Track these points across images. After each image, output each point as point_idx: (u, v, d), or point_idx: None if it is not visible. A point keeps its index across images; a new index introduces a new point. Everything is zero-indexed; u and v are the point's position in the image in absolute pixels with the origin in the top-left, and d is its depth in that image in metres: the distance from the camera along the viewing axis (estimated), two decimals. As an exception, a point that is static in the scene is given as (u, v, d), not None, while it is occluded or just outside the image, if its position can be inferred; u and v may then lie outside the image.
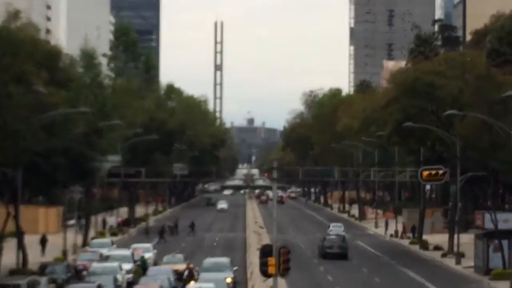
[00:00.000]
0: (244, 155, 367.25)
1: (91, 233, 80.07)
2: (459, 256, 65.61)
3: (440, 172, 67.18)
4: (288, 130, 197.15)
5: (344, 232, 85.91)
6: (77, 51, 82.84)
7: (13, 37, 50.70)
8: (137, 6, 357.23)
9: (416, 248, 78.30)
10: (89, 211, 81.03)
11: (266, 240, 71.58)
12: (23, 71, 49.11)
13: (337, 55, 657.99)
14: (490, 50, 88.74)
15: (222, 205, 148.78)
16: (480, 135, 59.03)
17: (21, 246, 56.53)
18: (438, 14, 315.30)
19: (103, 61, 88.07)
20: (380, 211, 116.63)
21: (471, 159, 64.51)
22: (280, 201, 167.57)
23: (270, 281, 40.79)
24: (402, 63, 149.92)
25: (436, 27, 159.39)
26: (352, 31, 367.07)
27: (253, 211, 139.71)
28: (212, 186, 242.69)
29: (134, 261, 56.52)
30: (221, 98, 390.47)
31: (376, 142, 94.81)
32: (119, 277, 48.98)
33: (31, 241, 67.12)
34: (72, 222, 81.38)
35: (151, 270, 51.38)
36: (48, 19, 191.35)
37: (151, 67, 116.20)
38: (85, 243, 73.99)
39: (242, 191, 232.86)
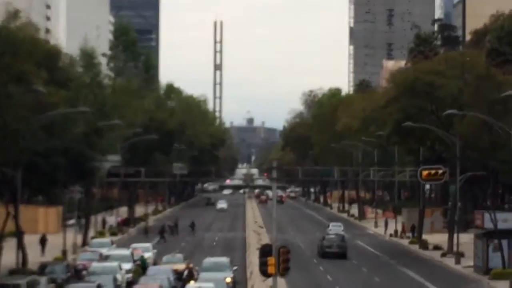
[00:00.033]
0: (243, 154, 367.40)
1: (91, 232, 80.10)
2: (459, 255, 65.64)
3: (440, 171, 67.21)
4: (287, 130, 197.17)
5: (344, 232, 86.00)
6: (77, 51, 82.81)
7: (13, 36, 50.70)
8: (137, 6, 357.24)
9: (415, 247, 78.32)
10: (88, 211, 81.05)
11: (265, 240, 71.60)
12: (23, 71, 49.10)
13: (336, 55, 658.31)
14: (490, 50, 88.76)
15: (221, 204, 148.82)
16: (479, 135, 59.05)
17: (20, 246, 56.53)
18: (438, 13, 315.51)
19: (103, 60, 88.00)
20: (379, 211, 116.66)
21: (471, 158, 64.55)
22: (280, 200, 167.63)
23: (270, 280, 40.81)
24: (402, 63, 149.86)
25: (436, 27, 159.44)
26: (352, 31, 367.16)
27: (252, 210, 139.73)
28: (211, 186, 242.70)
29: (134, 261, 56.55)
30: (220, 97, 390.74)
31: (375, 141, 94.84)
32: (118, 276, 48.99)
33: (30, 241, 67.12)
34: (72, 222, 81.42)
35: (151, 269, 51.40)
36: (48, 18, 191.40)
37: (150, 67, 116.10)
38: (84, 243, 73.99)
39: (241, 191, 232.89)
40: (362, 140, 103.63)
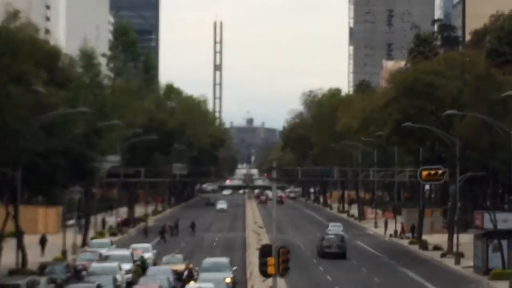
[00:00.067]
0: (243, 155, 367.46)
1: (91, 233, 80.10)
2: (459, 256, 65.66)
3: (439, 172, 67.22)
4: (287, 130, 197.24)
5: (343, 232, 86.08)
6: (77, 51, 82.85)
7: (13, 37, 50.72)
8: (137, 6, 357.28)
9: (415, 248, 78.34)
10: (88, 211, 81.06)
11: (265, 240, 71.63)
12: (23, 71, 49.11)
13: (336, 55, 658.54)
14: (490, 50, 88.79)
15: (221, 205, 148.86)
16: (479, 135, 59.04)
17: (20, 246, 56.55)
18: (438, 14, 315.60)
19: (103, 61, 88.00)
20: (379, 211, 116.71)
21: (471, 159, 64.55)
22: (280, 201, 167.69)
23: (270, 281, 40.83)
24: (402, 63, 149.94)
25: (436, 27, 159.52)
26: (352, 31, 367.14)
27: (252, 211, 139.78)
28: (210, 186, 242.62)
29: (134, 261, 56.56)
30: (220, 98, 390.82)
31: (375, 142, 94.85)
32: (118, 277, 49.02)
33: (30, 241, 67.16)
34: (71, 222, 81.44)
35: (151, 270, 51.40)
36: (48, 19, 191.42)
37: (150, 67, 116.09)
38: (84, 243, 73.99)
39: (241, 191, 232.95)
40: (362, 141, 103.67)
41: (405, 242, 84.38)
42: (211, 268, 50.70)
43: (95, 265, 51.58)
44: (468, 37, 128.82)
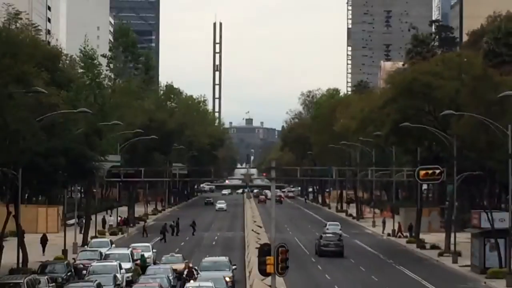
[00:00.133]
0: (242, 155, 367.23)
1: (91, 232, 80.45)
2: (456, 255, 66.10)
3: (437, 171, 67.58)
4: (286, 130, 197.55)
5: (341, 231, 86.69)
6: (77, 52, 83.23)
7: (14, 38, 51.07)
8: (137, 7, 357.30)
9: (413, 247, 78.76)
10: (89, 211, 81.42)
11: (264, 239, 71.97)
12: (24, 72, 49.42)
13: (335, 55, 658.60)
14: (487, 51, 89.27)
15: (220, 204, 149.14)
16: (477, 135, 59.37)
17: (21, 246, 56.86)
18: (435, 15, 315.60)
19: (103, 61, 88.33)
20: (377, 210, 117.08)
21: (468, 159, 64.94)
22: (278, 200, 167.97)
23: (269, 279, 41.27)
24: (400, 64, 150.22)
25: (433, 28, 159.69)
26: (350, 32, 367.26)
27: (251, 210, 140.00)
28: (207, 186, 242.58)
29: (134, 260, 56.95)
30: (220, 98, 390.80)
31: (373, 142, 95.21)
32: (118, 276, 49.34)
33: (31, 240, 67.56)
34: (72, 221, 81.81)
35: (150, 269, 51.73)
36: (48, 20, 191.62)
37: (150, 68, 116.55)
38: (85, 243, 74.39)
39: (240, 191, 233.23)
40: (360, 141, 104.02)
41: (403, 241, 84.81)
42: (211, 267, 51.08)
43: (95, 264, 51.92)
44: (465, 38, 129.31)
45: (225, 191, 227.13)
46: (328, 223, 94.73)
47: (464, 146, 64.42)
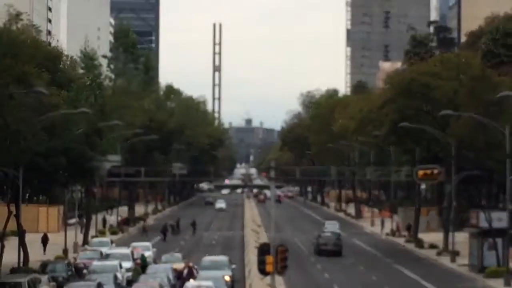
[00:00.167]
0: (242, 155, 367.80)
1: (92, 232, 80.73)
2: (454, 254, 66.37)
3: (435, 171, 67.85)
4: (285, 130, 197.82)
5: (339, 230, 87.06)
6: (78, 53, 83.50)
7: (15, 38, 51.28)
8: (137, 8, 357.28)
9: (411, 246, 79.04)
10: (89, 210, 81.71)
11: (264, 239, 72.31)
12: (24, 72, 49.65)
13: (334, 56, 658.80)
14: (485, 51, 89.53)
15: (220, 204, 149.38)
16: (475, 135, 59.65)
17: (22, 245, 57.12)
18: (434, 15, 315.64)
19: (103, 62, 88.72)
20: (376, 210, 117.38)
21: (466, 158, 65.24)
22: (278, 200, 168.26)
23: (268, 279, 41.56)
24: (398, 64, 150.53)
25: (432, 29, 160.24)
26: (349, 33, 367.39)
27: (251, 210, 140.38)
28: (206, 186, 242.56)
29: (134, 260, 57.22)
30: (219, 98, 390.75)
31: (372, 142, 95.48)
32: (119, 275, 49.53)
33: (32, 240, 67.77)
34: (72, 221, 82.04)
35: (151, 268, 51.91)
36: (49, 21, 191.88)
37: (150, 68, 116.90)
38: (85, 242, 74.69)
39: (239, 190, 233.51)
40: (359, 141, 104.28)
41: (401, 241, 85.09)
42: (210, 266, 51.28)
43: (96, 264, 52.12)
44: (463, 39, 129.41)
45: (224, 191, 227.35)
46: (327, 222, 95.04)
47: (462, 146, 64.71)
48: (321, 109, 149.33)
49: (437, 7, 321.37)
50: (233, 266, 53.08)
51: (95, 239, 71.77)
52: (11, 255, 56.17)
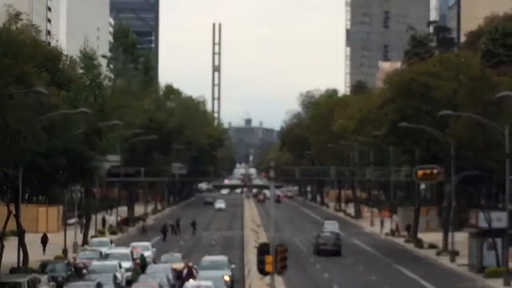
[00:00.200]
0: (241, 155, 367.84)
1: (91, 232, 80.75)
2: (454, 254, 66.40)
3: (435, 171, 67.84)
4: (285, 130, 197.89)
5: (338, 230, 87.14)
6: (77, 52, 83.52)
7: (14, 38, 51.32)
8: (136, 8, 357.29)
9: (411, 246, 79.08)
10: (89, 210, 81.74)
11: (263, 239, 72.33)
12: (24, 72, 49.68)
13: (334, 56, 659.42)
14: (484, 51, 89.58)
15: (220, 204, 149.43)
16: (474, 135, 59.68)
17: (21, 245, 57.15)
18: (433, 15, 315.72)
19: (103, 62, 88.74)
20: (375, 210, 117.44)
21: (466, 158, 65.27)
22: (277, 200, 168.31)
23: (268, 279, 41.59)
24: (398, 64, 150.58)
25: (431, 29, 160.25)
26: (348, 33, 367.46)
27: (250, 210, 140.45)
28: (205, 186, 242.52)
29: (133, 260, 57.24)
30: (219, 98, 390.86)
31: (372, 142, 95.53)
32: (118, 275, 49.56)
33: (31, 240, 67.81)
34: (72, 221, 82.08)
35: (150, 268, 51.94)
36: (49, 20, 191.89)
37: (150, 68, 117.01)
38: (85, 242, 74.73)
39: (238, 190, 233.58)
40: (358, 141, 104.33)
41: (401, 241, 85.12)
42: (210, 266, 51.30)
43: (95, 263, 52.14)
44: (463, 39, 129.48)
45: (224, 191, 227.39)
46: (326, 222, 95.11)
47: (462, 146, 64.73)
48: (320, 109, 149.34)
49: (437, 7, 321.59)
50: (233, 266, 53.11)
51: (95, 239, 71.81)
52: (10, 255, 56.18)
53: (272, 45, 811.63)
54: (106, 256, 56.73)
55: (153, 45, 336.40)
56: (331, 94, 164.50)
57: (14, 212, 56.56)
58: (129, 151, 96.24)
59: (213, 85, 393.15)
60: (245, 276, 53.80)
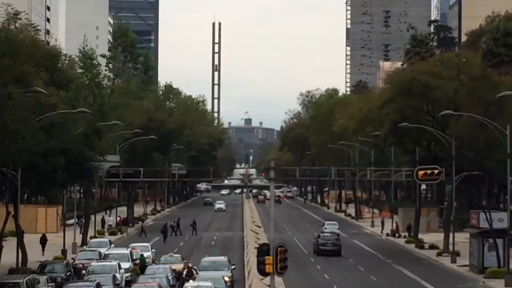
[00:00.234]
0: (241, 155, 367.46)
1: (90, 232, 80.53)
2: (454, 255, 66.22)
3: (436, 171, 67.60)
4: (285, 130, 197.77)
5: (339, 230, 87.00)
6: (76, 52, 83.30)
7: (13, 38, 51.16)
8: (136, 7, 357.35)
9: (412, 247, 78.89)
10: (88, 211, 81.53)
11: (263, 239, 72.10)
12: (23, 72, 49.54)
13: (334, 56, 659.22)
14: (486, 51, 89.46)
15: (219, 205, 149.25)
16: (475, 135, 59.47)
17: (20, 245, 56.96)
18: (434, 15, 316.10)
19: (102, 61, 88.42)
20: (376, 211, 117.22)
21: (467, 158, 65.05)
22: (277, 200, 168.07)
23: (268, 279, 41.38)
24: (398, 64, 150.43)
25: (432, 28, 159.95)
26: (349, 32, 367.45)
27: (250, 210, 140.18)
28: (203, 186, 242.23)
29: (133, 260, 57.04)
30: (219, 98, 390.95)
31: (372, 142, 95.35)
32: (117, 275, 49.45)
33: (30, 240, 67.66)
34: (71, 221, 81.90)
35: (150, 269, 51.85)
36: (48, 20, 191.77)
37: (149, 68, 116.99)
38: (84, 243, 74.52)
39: (238, 191, 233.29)
40: (359, 140, 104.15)
41: (401, 241, 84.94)
42: (210, 267, 51.21)
43: (94, 264, 51.99)
44: (464, 38, 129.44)
45: (224, 191, 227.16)
46: (326, 222, 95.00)
47: (462, 146, 64.51)
48: (321, 109, 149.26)
49: (438, 6, 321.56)
50: (233, 266, 52.97)
51: (94, 240, 71.60)
52: (9, 256, 56.01)
53: (272, 45, 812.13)
54: (105, 257, 56.53)
55: (152, 45, 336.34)
56: (331, 94, 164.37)
57: (13, 213, 56.36)
58: (128, 151, 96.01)
59: (213, 84, 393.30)
60: (245, 277, 53.59)
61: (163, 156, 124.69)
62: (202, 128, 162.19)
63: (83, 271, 52.15)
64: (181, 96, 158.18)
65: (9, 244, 61.11)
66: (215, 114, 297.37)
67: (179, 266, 53.42)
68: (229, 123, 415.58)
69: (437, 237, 78.94)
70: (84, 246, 68.92)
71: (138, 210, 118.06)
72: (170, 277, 49.15)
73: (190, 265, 52.24)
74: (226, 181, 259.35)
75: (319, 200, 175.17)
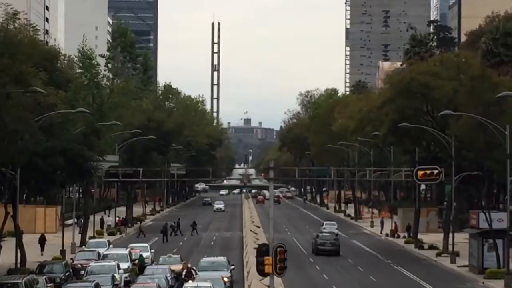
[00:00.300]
0: (240, 155, 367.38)
1: (89, 232, 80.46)
2: (454, 255, 66.17)
3: (435, 172, 67.56)
4: (284, 130, 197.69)
5: (338, 230, 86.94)
6: (75, 52, 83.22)
7: (12, 38, 51.10)
8: (135, 7, 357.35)
9: (411, 247, 78.83)
10: (87, 211, 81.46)
11: (262, 240, 72.02)
12: (22, 72, 49.48)
13: (334, 56, 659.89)
14: (485, 51, 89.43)
15: (219, 205, 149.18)
16: (475, 135, 59.43)
17: (19, 246, 56.91)
18: (433, 15, 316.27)
19: (101, 61, 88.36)
20: (375, 211, 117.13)
21: (466, 159, 65.01)
22: (277, 201, 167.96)
23: (267, 280, 41.32)
24: (398, 64, 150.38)
25: (431, 28, 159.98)
26: (348, 32, 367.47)
27: (249, 210, 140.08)
28: (201, 186, 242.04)
29: (132, 260, 56.98)
30: (218, 98, 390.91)
31: (371, 142, 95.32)
32: (116, 276, 49.42)
33: (29, 240, 67.61)
34: (70, 221, 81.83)
35: (149, 269, 51.82)
36: (46, 20, 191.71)
37: (148, 68, 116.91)
38: (83, 243, 74.45)
39: (237, 191, 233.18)
40: (358, 141, 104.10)
41: (401, 242, 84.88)
42: (209, 267, 51.18)
43: (93, 264, 51.95)
44: (463, 38, 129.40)
45: (223, 191, 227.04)
46: (325, 222, 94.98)
47: (462, 146, 64.47)
48: (320, 109, 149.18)
49: (437, 6, 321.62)
50: (232, 267, 52.93)
51: (93, 240, 71.54)
52: (8, 256, 55.97)
53: (271, 45, 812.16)
54: (104, 257, 56.46)
55: (151, 45, 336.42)
56: (331, 94, 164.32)
57: (11, 213, 56.30)
58: (127, 151, 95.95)
59: (212, 84, 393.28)
60: (244, 277, 53.52)
61: (162, 156, 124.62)
62: (201, 128, 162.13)
63: (82, 272, 52.12)
64: (180, 96, 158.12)
65: (8, 244, 61.05)
66: (215, 114, 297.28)
67: (177, 267, 53.36)
68: (229, 123, 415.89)
69: (436, 238, 78.88)
70: (83, 247, 68.86)
71: (137, 210, 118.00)
72: (169, 278, 49.12)
73: (189, 265, 52.17)
74: (225, 181, 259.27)
75: (318, 200, 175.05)
